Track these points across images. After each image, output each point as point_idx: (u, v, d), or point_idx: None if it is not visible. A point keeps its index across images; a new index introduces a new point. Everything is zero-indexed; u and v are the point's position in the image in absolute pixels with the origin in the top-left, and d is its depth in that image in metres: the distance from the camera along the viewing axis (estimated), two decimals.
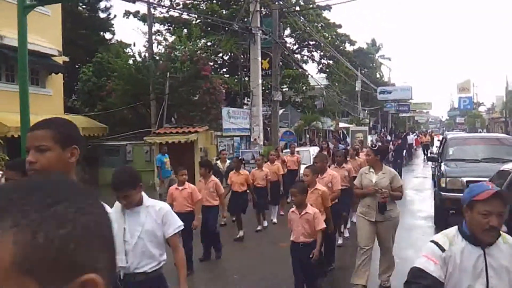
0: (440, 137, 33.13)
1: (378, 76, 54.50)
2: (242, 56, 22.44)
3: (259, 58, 17.36)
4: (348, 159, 9.70)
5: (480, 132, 50.28)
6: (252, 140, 17.38)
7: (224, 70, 28.34)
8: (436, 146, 29.85)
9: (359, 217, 6.13)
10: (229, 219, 10.16)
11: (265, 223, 10.24)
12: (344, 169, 8.36)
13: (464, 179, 8.83)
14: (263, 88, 20.24)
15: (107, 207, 1.45)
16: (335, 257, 7.03)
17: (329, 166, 7.92)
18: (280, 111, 22.24)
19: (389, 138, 30.46)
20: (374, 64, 53.15)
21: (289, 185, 10.42)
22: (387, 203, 5.73)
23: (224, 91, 19.60)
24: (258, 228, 9.95)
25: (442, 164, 9.95)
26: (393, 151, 18.58)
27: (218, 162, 11.29)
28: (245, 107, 21.40)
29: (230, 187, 9.50)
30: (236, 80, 23.01)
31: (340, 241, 8.17)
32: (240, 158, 11.54)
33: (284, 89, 27.61)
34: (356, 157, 10.38)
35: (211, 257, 7.93)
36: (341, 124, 33.97)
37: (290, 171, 12.58)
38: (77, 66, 21.29)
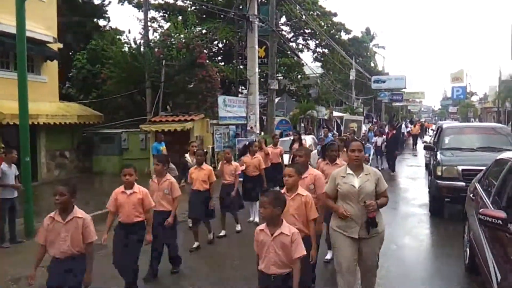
0: (433, 127, 33.30)
1: (372, 65, 54.53)
2: (238, 44, 22.37)
3: (256, 46, 17.32)
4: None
5: (472, 121, 50.58)
6: (248, 128, 17.38)
7: (220, 58, 28.24)
8: (430, 136, 30.05)
9: (336, 233, 4.65)
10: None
11: (238, 227, 8.64)
12: (337, 166, 6.31)
13: (460, 168, 8.93)
14: (259, 76, 20.21)
15: None
16: (315, 276, 5.47)
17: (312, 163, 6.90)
18: (276, 100, 22.26)
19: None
20: (368, 53, 53.12)
21: (272, 180, 9.62)
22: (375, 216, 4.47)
23: (219, 79, 19.55)
24: (221, 234, 8.24)
25: (438, 153, 10.03)
26: (386, 142, 17.98)
27: (187, 155, 9.28)
28: (240, 95, 21.38)
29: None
30: (231, 68, 22.94)
31: (328, 256, 6.58)
32: (205, 151, 9.37)
33: (279, 78, 27.59)
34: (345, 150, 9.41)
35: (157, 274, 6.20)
36: (335, 113, 33.99)
37: (273, 164, 11.02)
38: (71, 53, 21.12)
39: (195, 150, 8.49)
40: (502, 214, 3.85)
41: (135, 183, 5.49)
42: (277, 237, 3.73)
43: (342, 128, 24.24)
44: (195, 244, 7.47)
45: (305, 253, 3.83)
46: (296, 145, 11.77)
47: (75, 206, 4.42)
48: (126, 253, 5.41)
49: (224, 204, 8.43)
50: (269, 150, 11.04)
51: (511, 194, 4.41)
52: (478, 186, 6.00)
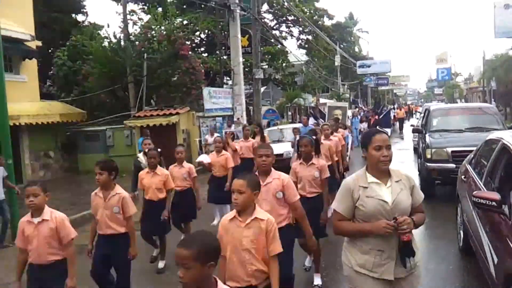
0: (420, 109, 33.38)
1: (357, 50, 54.61)
2: (220, 34, 22.11)
3: (239, 36, 17.08)
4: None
5: (458, 102, 50.89)
6: (235, 119, 17.20)
7: (202, 49, 27.95)
8: (417, 118, 30.13)
9: (359, 276, 3.07)
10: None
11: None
12: (314, 167, 5.33)
13: (449, 150, 8.89)
14: (243, 66, 20.01)
15: None
16: None
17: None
18: (262, 89, 22.08)
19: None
20: (352, 38, 53.18)
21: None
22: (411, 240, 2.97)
23: (203, 70, 19.32)
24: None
25: (427, 135, 9.97)
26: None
27: (140, 155, 7.87)
28: (225, 86, 21.17)
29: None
30: (215, 59, 22.69)
31: (307, 263, 5.77)
32: (159, 150, 6.64)
33: (263, 67, 27.40)
34: (323, 141, 7.58)
35: None
36: (322, 100, 33.94)
37: (245, 160, 9.40)
38: (50, 51, 20.71)
39: (146, 149, 6.94)
40: (496, 195, 3.76)
41: (46, 206, 4.02)
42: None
43: (326, 115, 22.95)
44: (155, 252, 6.47)
45: (281, 250, 3.18)
46: (256, 140, 10.22)
47: (46, 206, 4.01)
48: None
49: (175, 216, 6.67)
50: (238, 145, 9.68)
51: (503, 175, 4.34)
52: (469, 167, 5.92)
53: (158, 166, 6.19)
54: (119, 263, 4.67)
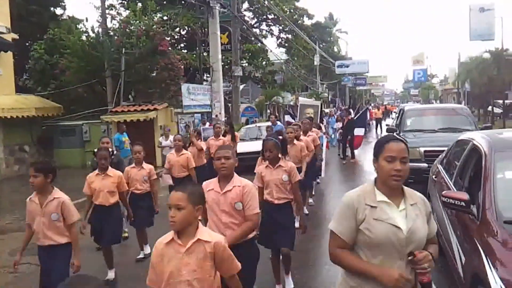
0: (396, 109, 33.73)
1: (336, 50, 55.01)
2: (200, 30, 22.03)
3: (218, 33, 17.06)
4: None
5: (433, 103, 51.72)
6: (213, 116, 17.20)
7: (182, 45, 27.80)
8: (392, 118, 30.53)
9: None
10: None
11: (147, 250, 6.47)
12: (281, 170, 4.88)
13: (422, 149, 9.08)
14: (223, 63, 19.98)
15: None
16: None
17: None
18: (241, 87, 22.10)
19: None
20: (331, 38, 53.56)
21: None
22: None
23: (182, 67, 19.24)
24: (139, 256, 6.39)
25: (401, 135, 10.15)
26: (342, 129, 16.36)
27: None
28: (204, 83, 21.12)
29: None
30: (195, 55, 22.61)
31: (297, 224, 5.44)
32: (110, 150, 6.59)
33: (243, 64, 27.40)
34: (296, 141, 7.33)
35: None
36: (301, 99, 34.12)
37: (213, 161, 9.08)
38: (27, 44, 20.32)
39: (107, 147, 6.56)
40: (464, 195, 3.83)
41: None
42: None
43: (297, 114, 21.32)
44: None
45: (239, 267, 2.72)
46: (227, 139, 9.93)
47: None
48: None
49: (135, 220, 6.22)
50: (207, 144, 9.06)
51: (473, 175, 4.40)
52: (440, 167, 6.07)
53: (110, 167, 5.72)
54: (57, 279, 3.70)
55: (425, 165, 8.54)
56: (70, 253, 4.17)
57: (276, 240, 4.74)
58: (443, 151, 6.73)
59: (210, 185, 3.59)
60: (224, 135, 10.34)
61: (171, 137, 11.65)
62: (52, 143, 17.08)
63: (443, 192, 4.13)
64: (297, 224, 5.36)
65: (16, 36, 15.93)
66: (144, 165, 6.41)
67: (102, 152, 5.65)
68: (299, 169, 6.56)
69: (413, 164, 8.85)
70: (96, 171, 5.68)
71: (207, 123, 16.55)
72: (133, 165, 6.41)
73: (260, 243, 4.44)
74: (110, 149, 6.02)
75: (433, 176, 6.26)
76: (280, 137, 5.41)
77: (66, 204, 4.12)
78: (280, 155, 4.94)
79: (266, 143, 4.94)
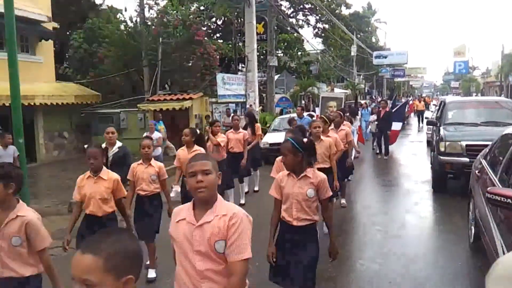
0: (434, 102, 32.84)
1: (373, 40, 53.99)
2: (236, 20, 21.98)
3: (254, 22, 16.97)
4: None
5: (474, 96, 50.16)
6: (247, 106, 17.17)
7: (218, 35, 27.85)
8: (431, 111, 29.70)
9: None
10: None
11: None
12: (307, 182, 3.65)
13: (464, 143, 8.75)
14: (258, 53, 19.88)
15: None
16: None
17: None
18: (276, 77, 21.96)
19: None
20: (370, 28, 52.54)
21: (231, 176, 7.90)
22: None
23: (218, 57, 19.27)
24: (150, 276, 5.24)
25: (441, 128, 9.81)
26: (378, 122, 15.11)
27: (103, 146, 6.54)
28: (239, 73, 21.11)
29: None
30: (230, 45, 22.60)
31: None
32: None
33: (279, 54, 27.22)
34: (323, 137, 6.14)
35: None
36: (336, 90, 33.66)
37: (232, 155, 8.48)
38: (68, 33, 20.78)
39: (113, 138, 6.09)
40: (511, 192, 3.68)
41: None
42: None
43: (319, 108, 17.58)
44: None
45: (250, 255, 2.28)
46: (246, 132, 9.06)
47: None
48: None
49: (137, 228, 5.24)
50: (225, 138, 8.22)
51: None
52: (484, 162, 5.82)
53: (104, 168, 4.52)
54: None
55: (467, 159, 8.24)
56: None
57: (293, 276, 3.57)
58: (485, 145, 6.48)
59: (181, 214, 2.41)
60: (245, 128, 9.61)
61: (156, 133, 10.65)
62: (90, 130, 17.47)
63: (488, 189, 3.96)
64: (325, 230, 4.72)
65: (56, 25, 16.31)
66: (153, 162, 5.35)
67: (92, 149, 4.46)
68: (328, 170, 5.62)
69: (454, 159, 8.69)
70: (88, 174, 4.47)
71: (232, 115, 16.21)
72: (140, 161, 5.34)
73: (271, 279, 3.69)
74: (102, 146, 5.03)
75: (476, 172, 6.02)
76: (305, 139, 4.00)
77: (32, 225, 3.02)
78: (302, 161, 3.62)
79: (283, 145, 3.70)
